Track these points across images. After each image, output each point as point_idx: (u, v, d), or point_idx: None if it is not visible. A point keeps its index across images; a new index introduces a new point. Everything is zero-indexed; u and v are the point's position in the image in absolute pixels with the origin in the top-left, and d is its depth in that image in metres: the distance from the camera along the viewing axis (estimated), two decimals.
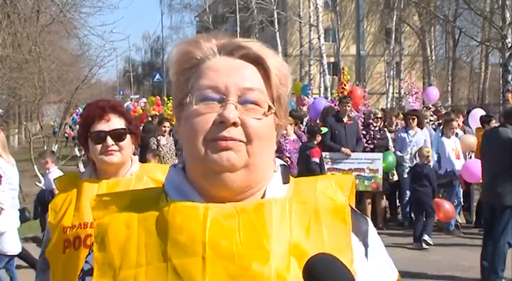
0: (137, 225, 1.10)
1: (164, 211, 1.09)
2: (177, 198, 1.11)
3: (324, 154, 9.40)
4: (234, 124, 1.07)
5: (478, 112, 10.60)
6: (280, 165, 1.19)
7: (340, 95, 12.88)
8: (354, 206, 1.18)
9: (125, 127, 2.38)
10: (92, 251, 1.13)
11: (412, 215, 10.22)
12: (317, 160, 8.92)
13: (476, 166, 8.88)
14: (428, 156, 8.69)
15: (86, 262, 1.18)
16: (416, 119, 9.97)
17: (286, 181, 1.17)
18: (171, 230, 1.06)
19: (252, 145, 1.08)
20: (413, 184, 8.78)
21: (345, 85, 13.30)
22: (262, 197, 1.12)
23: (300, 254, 1.05)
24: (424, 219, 8.57)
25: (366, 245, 1.14)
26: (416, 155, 9.07)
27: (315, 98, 14.10)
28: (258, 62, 1.13)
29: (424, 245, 8.34)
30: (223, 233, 1.04)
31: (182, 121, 1.13)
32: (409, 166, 9.75)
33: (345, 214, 1.12)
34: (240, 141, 1.07)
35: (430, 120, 11.79)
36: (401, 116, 11.22)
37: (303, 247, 1.06)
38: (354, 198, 1.20)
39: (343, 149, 9.41)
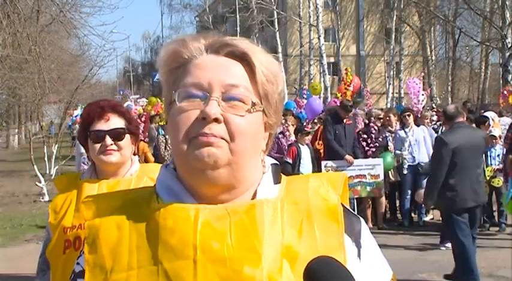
0: (129, 227, 1.09)
1: (155, 213, 1.07)
2: (168, 199, 1.10)
3: (324, 162, 9.38)
4: (216, 120, 1.05)
5: (491, 115, 10.49)
6: (272, 164, 1.17)
7: (343, 95, 12.83)
8: (347, 204, 1.16)
9: (124, 127, 2.38)
10: (83, 252, 1.12)
11: (413, 215, 10.23)
12: (289, 159, 8.91)
13: None
14: None
15: (77, 263, 1.16)
16: (411, 116, 9.95)
17: (277, 180, 1.15)
18: (162, 232, 1.05)
19: (236, 143, 1.06)
20: None
21: (349, 86, 13.24)
22: (253, 198, 1.10)
23: (292, 256, 1.03)
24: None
25: (358, 246, 1.12)
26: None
27: (308, 99, 14.04)
28: (244, 59, 1.11)
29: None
30: (215, 236, 1.03)
31: (169, 120, 1.13)
32: (408, 164, 9.76)
33: (338, 214, 1.10)
34: (222, 138, 1.06)
35: (432, 120, 11.77)
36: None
37: (295, 248, 1.04)
38: (347, 196, 1.19)
39: (347, 156, 9.38)
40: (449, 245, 8.14)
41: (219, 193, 1.08)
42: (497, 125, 10.26)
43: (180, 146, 1.07)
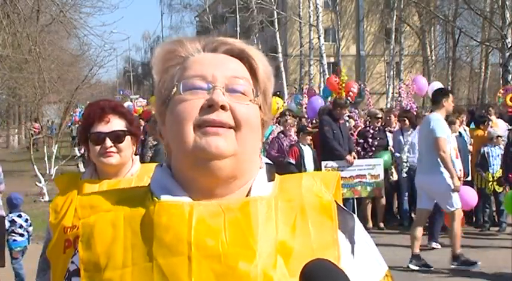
0: (123, 225, 1.09)
1: (150, 210, 1.08)
2: (162, 197, 1.10)
3: (324, 163, 9.35)
4: (223, 107, 1.06)
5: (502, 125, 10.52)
6: (266, 163, 1.18)
7: (338, 96, 12.81)
8: (340, 203, 1.17)
9: (124, 129, 2.36)
10: (78, 251, 1.12)
11: (412, 215, 10.23)
12: (292, 160, 8.92)
13: (468, 193, 8.74)
14: None
15: (72, 262, 1.17)
16: (408, 120, 9.97)
17: (271, 178, 1.16)
18: (156, 229, 1.05)
19: (241, 131, 1.08)
20: None
21: (342, 86, 13.21)
22: (247, 195, 1.11)
23: (286, 252, 1.05)
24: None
25: (352, 242, 1.13)
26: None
27: (310, 97, 14.01)
28: (243, 57, 1.14)
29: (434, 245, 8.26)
30: (209, 232, 1.03)
31: (167, 114, 1.12)
32: (406, 166, 9.76)
33: (331, 210, 1.11)
34: (229, 127, 1.07)
35: None
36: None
37: (289, 244, 1.05)
38: (340, 194, 1.20)
39: (348, 157, 9.36)
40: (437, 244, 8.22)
41: (217, 185, 1.08)
42: (496, 125, 10.28)
43: (184, 136, 1.07)
